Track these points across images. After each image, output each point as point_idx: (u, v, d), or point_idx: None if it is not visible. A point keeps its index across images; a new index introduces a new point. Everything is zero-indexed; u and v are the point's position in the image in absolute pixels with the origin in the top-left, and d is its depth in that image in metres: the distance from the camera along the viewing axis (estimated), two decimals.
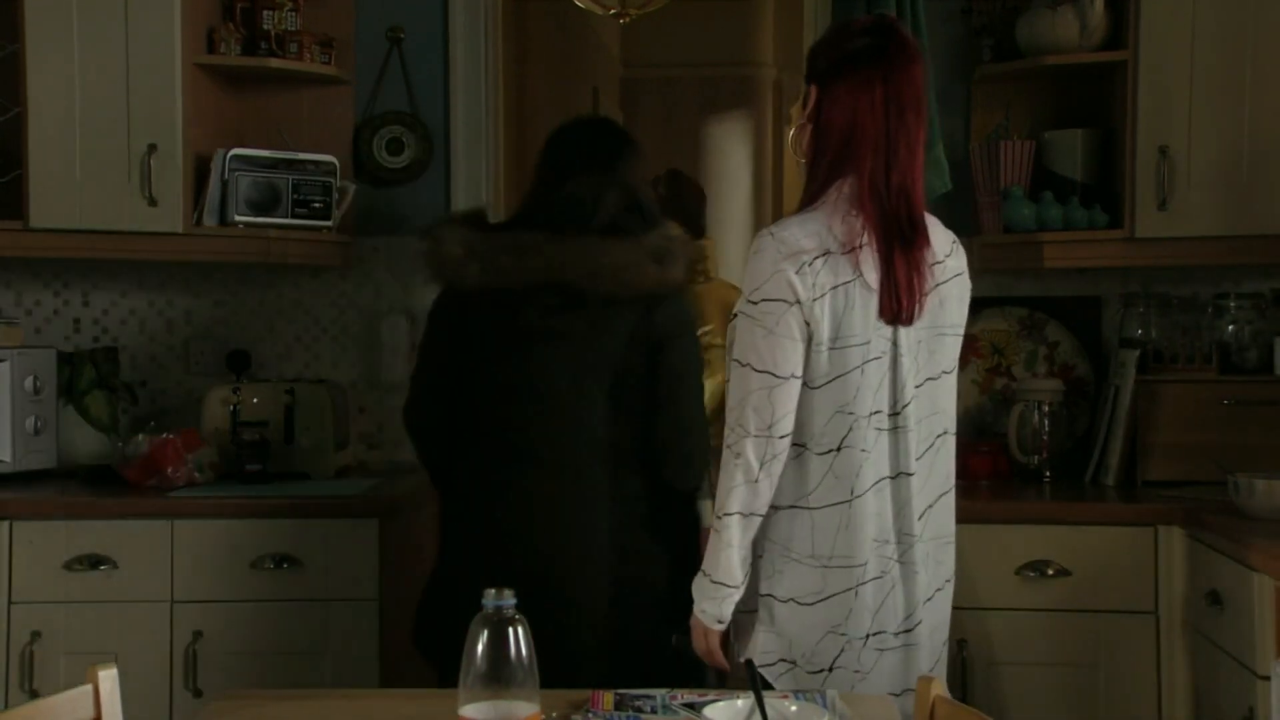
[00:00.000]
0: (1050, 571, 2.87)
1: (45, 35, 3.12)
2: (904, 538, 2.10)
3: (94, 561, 2.93)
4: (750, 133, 6.70)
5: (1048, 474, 3.22)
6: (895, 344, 2.08)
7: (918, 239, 2.07)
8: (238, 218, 3.22)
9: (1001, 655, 2.89)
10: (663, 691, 1.92)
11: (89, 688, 1.84)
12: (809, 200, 2.10)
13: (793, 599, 2.08)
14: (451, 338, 2.46)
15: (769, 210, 6.82)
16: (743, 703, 1.77)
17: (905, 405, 2.09)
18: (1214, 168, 3.06)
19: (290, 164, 3.27)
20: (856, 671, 2.09)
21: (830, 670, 2.08)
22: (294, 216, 3.27)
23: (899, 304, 2.06)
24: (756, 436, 2.03)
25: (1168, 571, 2.85)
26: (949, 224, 3.44)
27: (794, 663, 2.09)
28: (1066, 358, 3.41)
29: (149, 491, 3.05)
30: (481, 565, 2.35)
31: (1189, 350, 3.17)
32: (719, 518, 2.08)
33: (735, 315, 2.08)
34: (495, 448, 2.42)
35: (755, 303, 2.04)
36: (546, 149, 2.54)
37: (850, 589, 2.07)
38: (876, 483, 2.08)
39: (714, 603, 2.10)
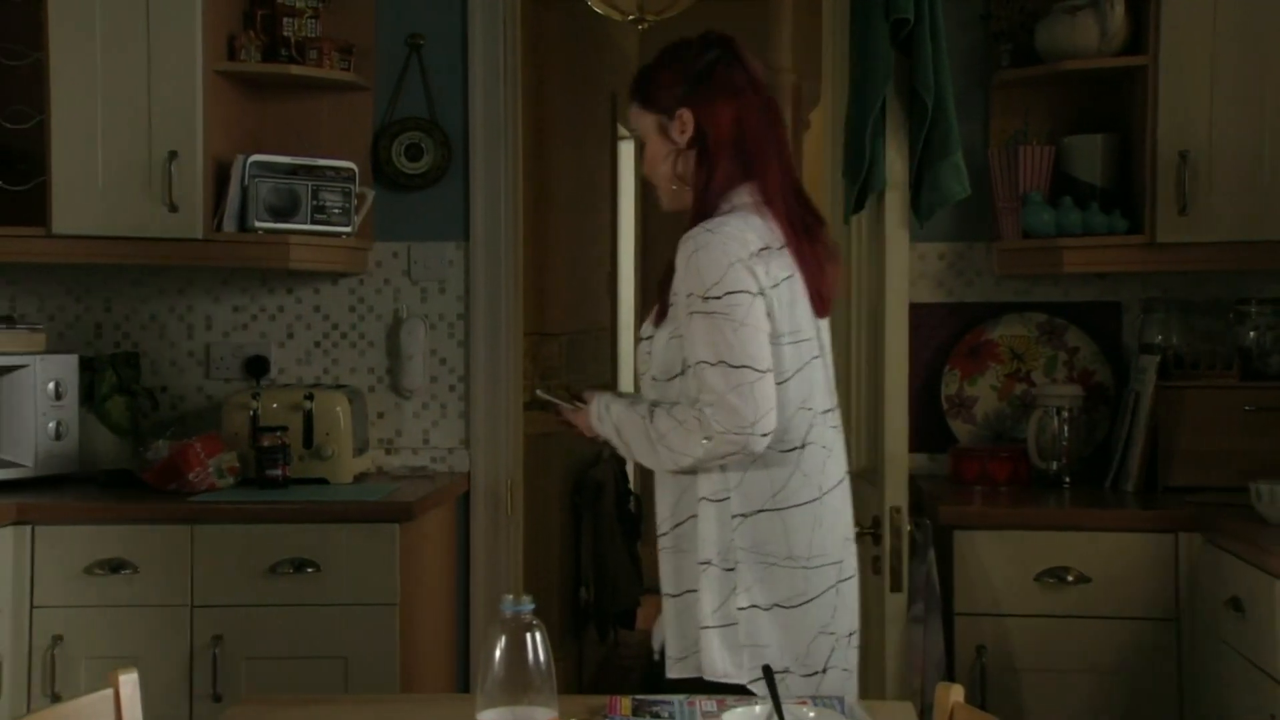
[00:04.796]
0: (1070, 578, 2.86)
1: (68, 43, 3.14)
2: (851, 539, 2.17)
3: (115, 566, 2.94)
4: None
5: (1067, 480, 3.21)
6: (821, 342, 2.14)
7: (822, 231, 2.15)
8: (257, 223, 3.23)
9: (1020, 662, 2.88)
10: (680, 697, 1.91)
11: (110, 691, 1.85)
12: (707, 215, 2.08)
13: (777, 604, 2.06)
14: None
15: None
16: (761, 709, 1.76)
17: (837, 404, 2.17)
18: (1235, 172, 3.04)
19: (310, 170, 3.29)
20: (845, 670, 2.11)
21: (824, 672, 2.08)
22: (313, 222, 3.28)
23: (823, 298, 2.12)
24: (737, 434, 1.99)
25: (1189, 578, 2.83)
26: (967, 229, 3.47)
27: (786, 669, 2.06)
28: (1086, 363, 3.40)
29: (169, 496, 3.07)
30: None
31: (1210, 356, 3.15)
32: (663, 445, 2.04)
33: (690, 315, 2.02)
34: None
35: (718, 297, 1.99)
36: None
37: (832, 587, 2.09)
38: (840, 481, 2.13)
39: (605, 424, 2.13)
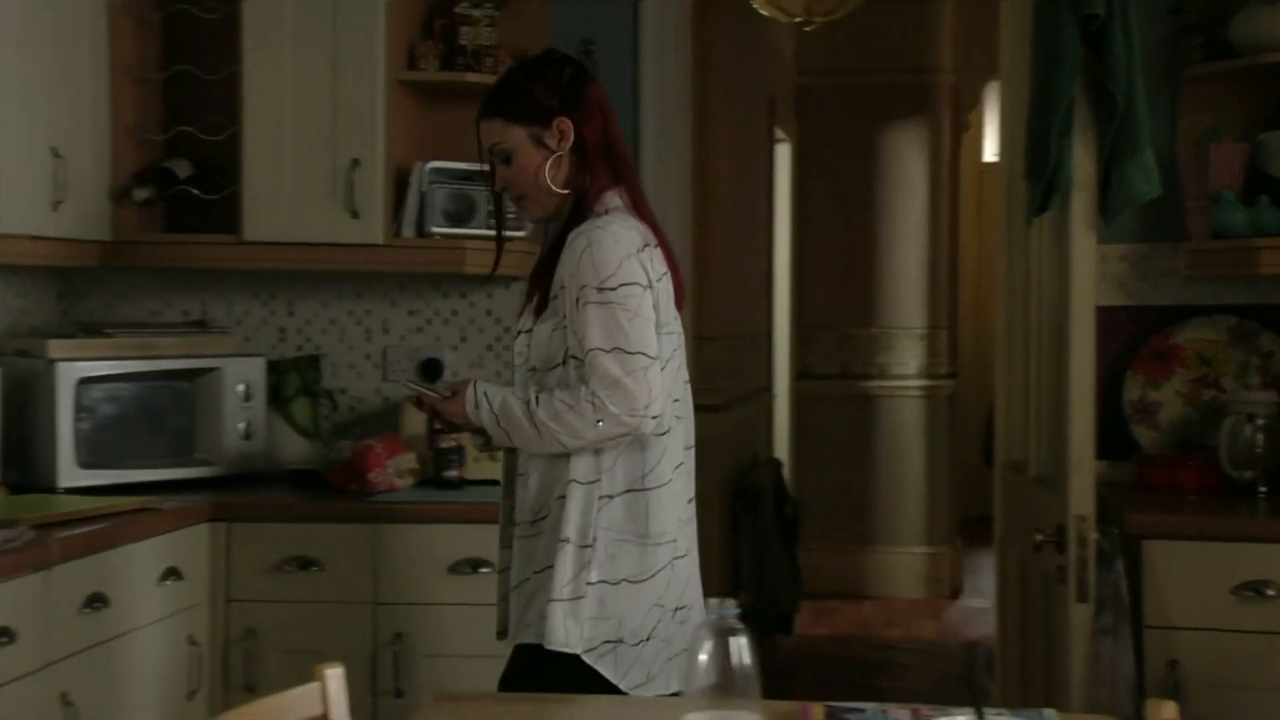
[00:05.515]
0: (1270, 592, 2.74)
1: (261, 57, 3.25)
2: (687, 520, 2.29)
3: (303, 563, 3.03)
4: (926, 140, 6.59)
5: (1263, 489, 3.08)
6: (680, 334, 2.28)
7: (666, 239, 2.29)
8: (434, 229, 3.30)
9: (1217, 678, 2.77)
10: (874, 706, 1.89)
11: (317, 685, 1.90)
12: (584, 216, 2.22)
13: (625, 579, 2.18)
14: None
15: (944, 219, 6.70)
16: (963, 719, 1.73)
17: (685, 395, 2.30)
18: None
19: (485, 175, 3.33)
20: (665, 640, 2.22)
21: (648, 640, 2.20)
22: (488, 227, 3.33)
23: (682, 293, 2.29)
24: (631, 417, 2.12)
25: None
26: (1150, 230, 3.36)
27: (620, 640, 2.18)
28: None
29: (352, 496, 3.14)
30: None
31: None
32: (552, 429, 2.14)
33: (584, 306, 2.13)
34: None
35: (614, 289, 2.13)
36: None
37: (669, 563, 2.22)
38: (678, 465, 2.25)
39: (483, 410, 2.22)
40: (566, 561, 2.16)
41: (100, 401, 3.13)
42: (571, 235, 2.20)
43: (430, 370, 3.62)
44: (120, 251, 3.32)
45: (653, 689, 2.18)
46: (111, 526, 2.72)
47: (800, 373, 6.71)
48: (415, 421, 3.34)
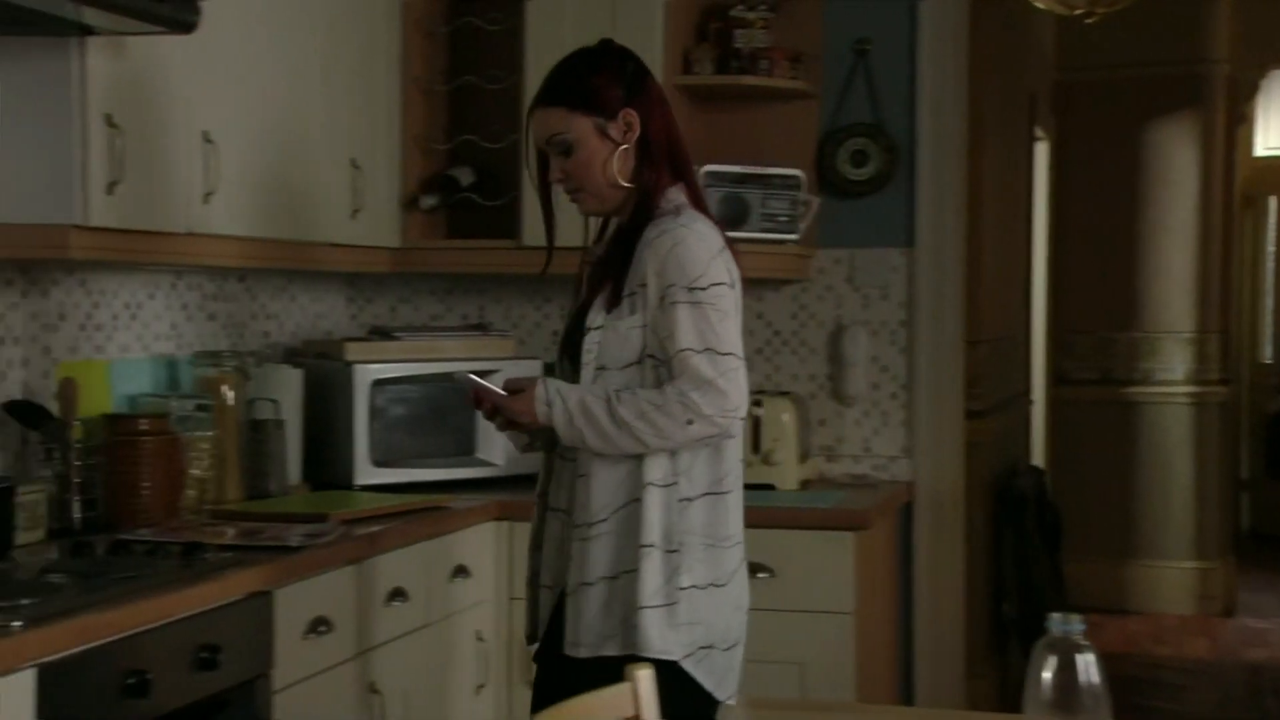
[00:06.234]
0: None
1: (542, 65, 3.27)
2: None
3: None
4: (1197, 134, 6.25)
5: None
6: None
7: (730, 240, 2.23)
8: None
9: None
10: None
11: (628, 686, 1.91)
12: (650, 212, 2.16)
13: (712, 584, 2.14)
14: None
15: (1216, 216, 6.35)
16: None
17: None
18: None
19: (759, 178, 3.32)
20: (742, 644, 2.21)
21: (736, 645, 2.19)
22: (761, 230, 3.32)
23: (741, 297, 2.24)
24: (723, 417, 2.09)
25: None
26: None
27: (712, 645, 2.14)
28: None
29: None
30: None
31: None
32: (637, 428, 2.07)
33: (672, 305, 2.09)
34: None
35: (704, 288, 2.10)
36: None
37: (740, 564, 2.21)
38: (739, 466, 2.22)
39: (556, 408, 2.11)
40: (654, 567, 2.11)
41: (391, 402, 3.24)
42: (652, 232, 2.14)
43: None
44: (407, 257, 3.44)
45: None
46: (406, 524, 2.81)
47: (1057, 378, 6.47)
48: None
